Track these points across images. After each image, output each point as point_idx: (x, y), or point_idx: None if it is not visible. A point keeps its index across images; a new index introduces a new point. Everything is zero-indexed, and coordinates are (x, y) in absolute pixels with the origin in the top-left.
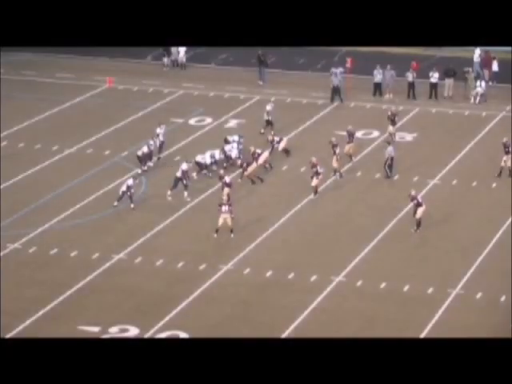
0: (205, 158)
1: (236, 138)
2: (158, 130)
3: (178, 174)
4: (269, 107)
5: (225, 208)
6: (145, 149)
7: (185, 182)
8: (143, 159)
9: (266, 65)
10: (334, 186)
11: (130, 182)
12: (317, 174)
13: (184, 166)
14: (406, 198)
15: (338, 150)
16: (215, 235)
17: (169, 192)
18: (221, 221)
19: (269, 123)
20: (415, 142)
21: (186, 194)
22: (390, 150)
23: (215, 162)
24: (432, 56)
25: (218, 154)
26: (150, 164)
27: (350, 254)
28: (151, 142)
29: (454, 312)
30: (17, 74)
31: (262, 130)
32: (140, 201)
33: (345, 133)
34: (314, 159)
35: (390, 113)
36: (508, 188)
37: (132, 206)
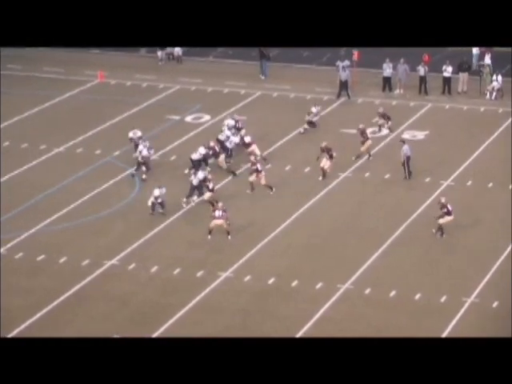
0: (198, 152)
1: (231, 122)
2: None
3: (195, 182)
4: (314, 109)
5: (219, 213)
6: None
7: (203, 190)
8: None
9: (268, 58)
10: (341, 188)
11: (157, 192)
12: (257, 171)
13: (201, 175)
14: (417, 200)
15: (334, 154)
16: (209, 237)
17: (184, 199)
18: (212, 225)
19: (311, 124)
20: (427, 141)
21: (184, 199)
22: (405, 148)
23: (213, 154)
24: (445, 49)
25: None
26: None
27: (357, 260)
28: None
29: (469, 322)
30: (1, 68)
31: (302, 131)
32: (134, 204)
33: (355, 131)
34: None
35: (380, 111)
36: None
37: (162, 211)
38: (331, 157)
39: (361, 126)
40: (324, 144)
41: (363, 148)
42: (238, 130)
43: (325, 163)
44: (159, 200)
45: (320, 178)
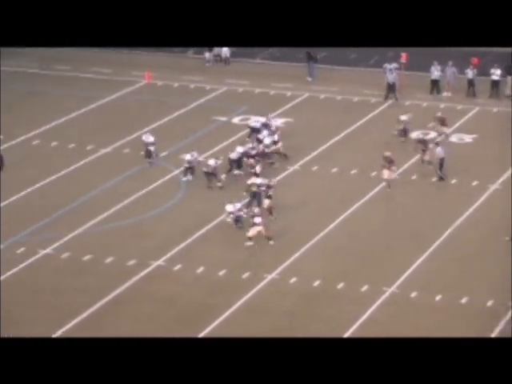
0: (235, 151)
1: (262, 119)
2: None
3: (254, 189)
4: (404, 117)
5: (258, 220)
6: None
7: (268, 192)
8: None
9: (316, 60)
10: (387, 190)
11: (230, 208)
12: (255, 174)
13: (258, 181)
14: (464, 203)
15: (394, 166)
16: (251, 243)
17: (244, 210)
18: (252, 232)
19: (406, 132)
20: (474, 144)
21: (245, 210)
22: (438, 150)
23: (246, 154)
24: (493, 51)
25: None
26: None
27: (403, 263)
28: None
29: None
30: (50, 68)
31: (403, 139)
32: (180, 205)
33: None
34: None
35: (439, 115)
36: None
37: (240, 225)
38: (391, 166)
39: (422, 137)
40: (388, 154)
41: (428, 157)
42: (267, 126)
43: (387, 174)
44: (237, 215)
45: (388, 190)
